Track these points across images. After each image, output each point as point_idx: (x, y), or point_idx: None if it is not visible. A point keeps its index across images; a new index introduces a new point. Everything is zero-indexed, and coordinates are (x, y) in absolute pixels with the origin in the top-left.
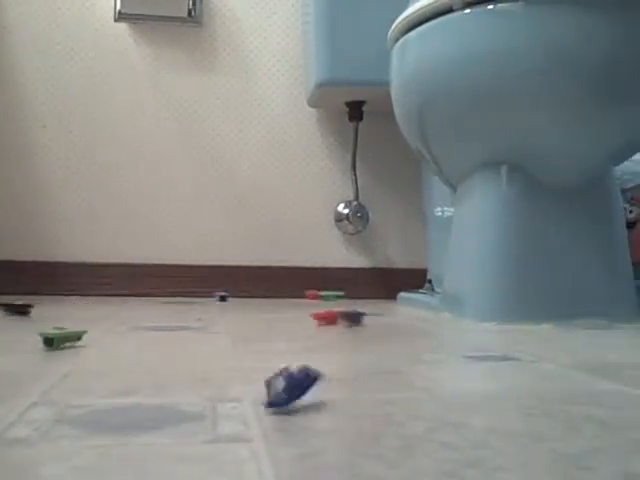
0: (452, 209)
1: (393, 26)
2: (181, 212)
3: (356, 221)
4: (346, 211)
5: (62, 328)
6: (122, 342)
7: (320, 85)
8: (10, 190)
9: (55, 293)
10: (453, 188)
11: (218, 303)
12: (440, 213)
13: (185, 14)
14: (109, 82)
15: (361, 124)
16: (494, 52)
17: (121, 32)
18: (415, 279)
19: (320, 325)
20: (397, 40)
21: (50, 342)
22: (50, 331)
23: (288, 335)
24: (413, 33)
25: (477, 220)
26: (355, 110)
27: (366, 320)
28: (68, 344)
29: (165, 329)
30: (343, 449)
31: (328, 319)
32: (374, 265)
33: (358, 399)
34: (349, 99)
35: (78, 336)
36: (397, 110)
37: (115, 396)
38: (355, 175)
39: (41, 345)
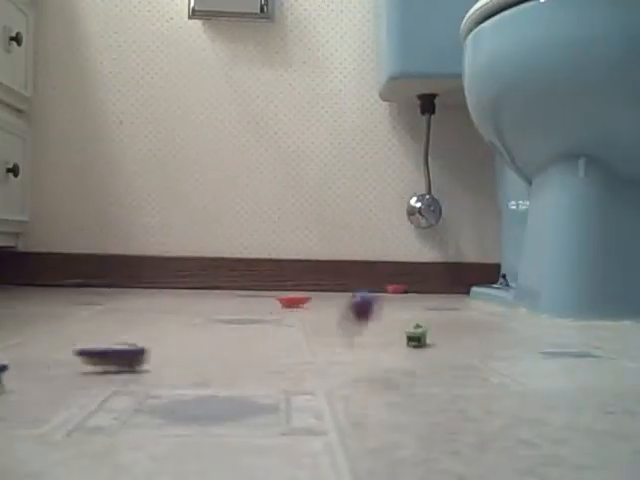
0: (527, 203)
1: (466, 17)
2: (253, 206)
3: (429, 215)
4: (418, 205)
5: (419, 326)
6: (199, 334)
7: (392, 78)
8: (88, 186)
9: (132, 286)
10: (528, 181)
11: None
12: (515, 207)
13: (257, 10)
14: (182, 78)
15: (433, 117)
16: (571, 41)
17: (195, 28)
18: (488, 274)
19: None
20: (470, 31)
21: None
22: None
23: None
24: (487, 24)
25: (554, 214)
26: (427, 103)
27: (438, 315)
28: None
29: (240, 322)
30: (418, 444)
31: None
32: (447, 259)
33: (433, 394)
34: (421, 92)
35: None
36: (470, 102)
37: (192, 387)
38: (427, 168)
39: None
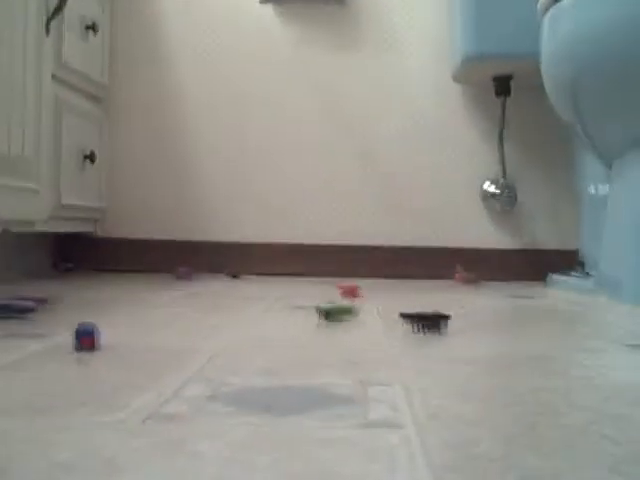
0: (607, 186)
1: None
2: (326, 192)
3: (503, 200)
4: (492, 189)
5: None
6: (275, 321)
7: (466, 60)
8: (163, 172)
9: (210, 271)
10: (608, 164)
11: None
12: (594, 191)
13: None
14: (255, 63)
15: (509, 99)
16: None
17: (266, 14)
18: (566, 261)
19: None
20: (548, 8)
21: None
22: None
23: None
24: (566, 1)
25: (635, 198)
26: (502, 85)
27: (514, 303)
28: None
29: (312, 308)
30: (497, 439)
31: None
32: (522, 246)
33: (512, 386)
34: (496, 73)
35: (348, 310)
36: (548, 82)
37: (266, 375)
38: (502, 152)
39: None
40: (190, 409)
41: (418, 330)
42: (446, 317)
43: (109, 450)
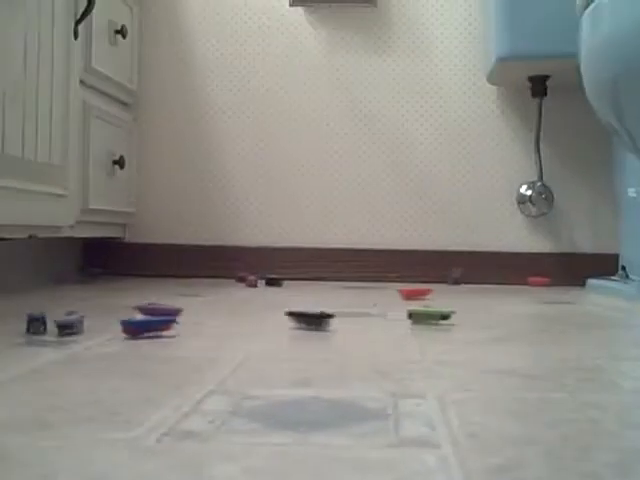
0: None
1: None
2: (355, 195)
3: (540, 203)
4: (529, 192)
5: (427, 307)
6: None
7: (500, 60)
8: (192, 177)
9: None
10: None
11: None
12: (634, 194)
13: None
14: (284, 66)
15: (545, 100)
16: None
17: (296, 16)
18: (605, 265)
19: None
20: (587, 5)
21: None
22: (415, 308)
23: (473, 323)
24: None
25: None
26: (538, 85)
27: (552, 309)
28: (433, 322)
29: (342, 315)
30: (546, 462)
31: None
32: (559, 250)
33: (556, 400)
34: (532, 74)
35: (444, 315)
36: (587, 82)
37: (293, 387)
38: (539, 154)
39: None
40: (210, 426)
41: (300, 326)
42: (329, 316)
43: (117, 473)
